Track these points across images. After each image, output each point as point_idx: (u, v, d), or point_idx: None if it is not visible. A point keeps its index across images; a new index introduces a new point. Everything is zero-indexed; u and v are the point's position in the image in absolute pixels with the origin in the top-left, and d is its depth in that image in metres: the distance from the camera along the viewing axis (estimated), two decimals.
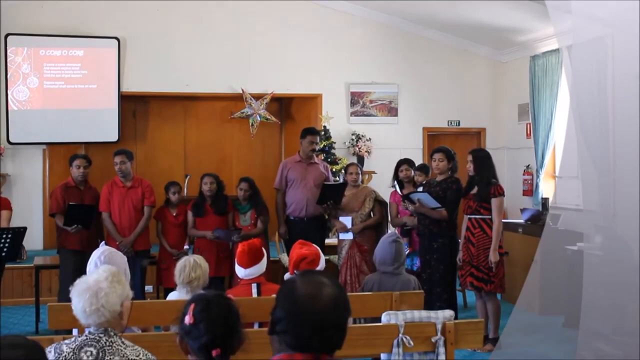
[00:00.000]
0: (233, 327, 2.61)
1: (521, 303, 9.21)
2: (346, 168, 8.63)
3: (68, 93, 11.47)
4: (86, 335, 3.14)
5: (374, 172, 11.83)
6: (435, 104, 12.75)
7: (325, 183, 8.24)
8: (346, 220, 8.11)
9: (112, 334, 3.14)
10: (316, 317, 2.13)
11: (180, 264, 5.13)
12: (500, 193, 7.13)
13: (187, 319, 2.59)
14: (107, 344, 3.11)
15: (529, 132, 11.69)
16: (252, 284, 5.30)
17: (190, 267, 5.06)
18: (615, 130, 9.37)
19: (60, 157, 11.29)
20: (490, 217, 7.11)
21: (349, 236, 8.08)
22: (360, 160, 12.02)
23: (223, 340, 2.56)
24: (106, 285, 3.13)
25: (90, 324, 3.14)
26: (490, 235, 7.07)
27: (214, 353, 2.54)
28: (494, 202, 7.09)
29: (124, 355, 3.10)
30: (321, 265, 5.40)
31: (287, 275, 5.53)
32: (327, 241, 8.95)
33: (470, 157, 7.28)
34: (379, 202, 8.23)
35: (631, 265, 5.68)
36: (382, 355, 4.37)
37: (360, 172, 8.41)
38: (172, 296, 5.31)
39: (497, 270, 7.11)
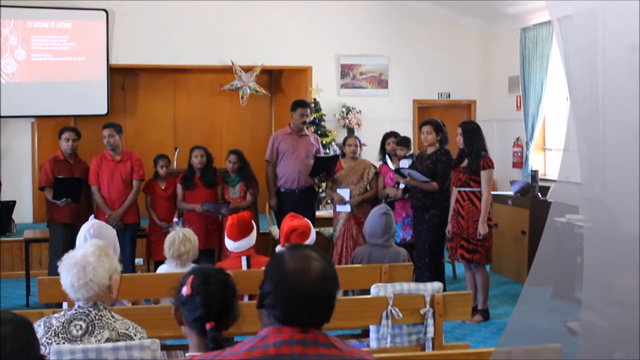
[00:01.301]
0: (229, 303, 2.62)
1: (510, 274, 9.29)
2: (345, 140, 8.62)
3: (56, 65, 11.39)
4: (75, 309, 3.14)
5: (364, 144, 11.76)
6: (425, 76, 12.71)
7: (318, 155, 8.24)
8: (344, 193, 8.12)
9: (101, 307, 3.15)
10: (304, 291, 2.14)
11: (169, 238, 5.13)
12: (489, 165, 7.14)
13: (185, 290, 2.59)
14: (97, 317, 3.12)
15: (519, 105, 11.69)
16: (242, 257, 5.32)
17: (180, 241, 5.06)
18: (605, 102, 9.40)
19: (49, 130, 11.25)
20: (479, 189, 7.12)
21: (347, 208, 8.10)
22: (351, 132, 12.00)
23: (218, 315, 2.57)
24: (94, 259, 3.12)
25: (79, 298, 3.14)
26: (479, 208, 7.10)
27: (207, 326, 2.54)
28: (484, 174, 7.10)
29: (113, 329, 3.11)
30: (312, 238, 5.40)
31: (278, 248, 5.55)
32: (318, 213, 8.96)
33: (459, 130, 7.28)
34: (377, 176, 8.24)
35: (619, 236, 5.71)
36: (371, 327, 4.39)
37: (359, 144, 8.41)
38: (162, 269, 5.32)
39: (485, 242, 7.14)
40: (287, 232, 5.33)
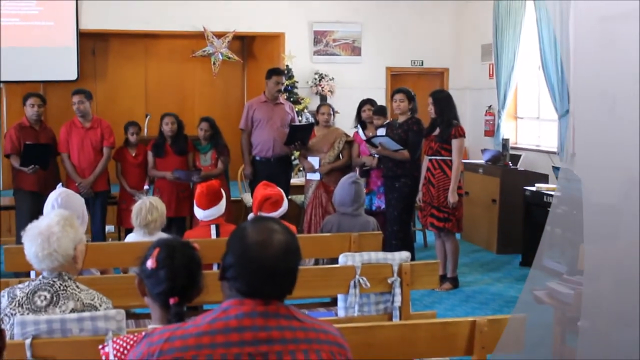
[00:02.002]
0: (194, 278, 2.60)
1: (480, 242, 9.38)
2: (318, 108, 8.59)
3: (24, 30, 11.20)
4: (40, 280, 3.12)
5: (337, 112, 11.77)
6: (398, 43, 12.68)
7: (293, 124, 8.21)
8: (314, 161, 8.12)
9: (66, 278, 3.13)
10: (266, 264, 2.13)
11: (136, 206, 5.10)
12: (461, 134, 7.16)
13: (150, 263, 2.56)
14: (61, 288, 3.10)
15: (491, 73, 11.71)
16: (211, 225, 5.31)
17: (147, 209, 5.02)
18: (576, 72, 9.44)
19: (17, 96, 10.99)
20: (450, 158, 7.14)
21: (316, 176, 8.10)
22: (323, 99, 11.98)
23: (182, 290, 2.55)
24: (58, 229, 3.09)
25: (44, 268, 3.12)
26: (450, 177, 7.12)
27: (171, 301, 2.53)
28: (455, 143, 7.11)
29: (78, 299, 3.10)
30: (284, 207, 5.42)
31: (251, 216, 5.54)
32: (292, 181, 8.95)
33: (430, 100, 7.28)
34: (349, 144, 8.24)
35: (587, 206, 5.76)
36: (339, 296, 4.41)
37: (332, 112, 8.39)
38: (130, 238, 5.29)
39: (456, 210, 7.18)
40: (260, 201, 5.34)
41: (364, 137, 8.05)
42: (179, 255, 2.59)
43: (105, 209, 8.10)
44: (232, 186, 8.87)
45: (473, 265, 8.48)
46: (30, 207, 7.36)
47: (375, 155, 7.80)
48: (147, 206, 5.05)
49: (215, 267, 4.86)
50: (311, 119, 10.58)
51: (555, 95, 9.58)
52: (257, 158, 8.32)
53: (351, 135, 8.47)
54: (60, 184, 5.57)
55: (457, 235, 7.73)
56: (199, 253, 2.69)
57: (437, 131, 7.26)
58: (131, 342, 2.59)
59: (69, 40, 11.43)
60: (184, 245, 2.65)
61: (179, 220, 8.05)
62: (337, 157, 8.16)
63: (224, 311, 2.13)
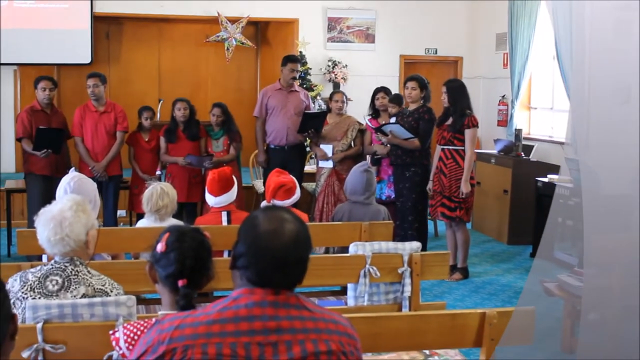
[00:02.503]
0: (203, 262, 2.63)
1: (491, 232, 9.36)
2: (331, 95, 8.57)
3: (39, 12, 11.20)
4: (52, 264, 3.14)
5: (349, 100, 11.76)
6: (412, 31, 12.61)
7: (306, 112, 8.19)
8: (327, 149, 8.12)
9: (77, 263, 3.15)
10: (277, 253, 2.14)
11: (147, 192, 5.10)
12: (474, 124, 7.13)
13: (160, 247, 2.61)
14: (73, 273, 3.12)
15: (505, 62, 11.64)
16: (222, 212, 5.32)
17: (158, 195, 5.03)
18: (591, 61, 9.38)
19: (31, 79, 10.93)
20: (463, 148, 7.12)
21: (329, 164, 8.11)
22: (336, 87, 11.93)
23: (191, 273, 2.58)
24: (70, 214, 3.11)
25: (56, 253, 3.14)
26: (462, 166, 7.10)
27: (180, 283, 2.56)
28: (468, 133, 7.09)
29: (89, 285, 3.11)
30: (297, 195, 5.44)
31: (264, 204, 5.56)
32: (306, 168, 8.94)
33: (444, 89, 7.25)
34: (362, 133, 8.23)
35: (600, 197, 5.74)
36: (349, 285, 4.42)
37: (345, 100, 8.37)
38: (141, 223, 5.31)
39: (467, 200, 7.17)
40: (274, 188, 5.35)
41: (372, 127, 8.03)
42: (189, 239, 2.62)
43: (118, 193, 8.13)
44: (244, 172, 8.89)
45: (483, 256, 8.47)
46: (42, 190, 7.40)
47: (387, 144, 7.78)
48: (158, 192, 5.06)
49: (226, 254, 4.88)
50: (323, 106, 10.56)
51: (570, 84, 9.51)
52: (272, 146, 8.32)
53: (362, 122, 8.46)
54: (73, 168, 5.58)
55: (468, 226, 7.71)
56: (210, 240, 2.71)
57: (449, 121, 7.24)
58: (141, 328, 2.61)
59: (83, 23, 11.42)
60: (194, 230, 2.70)
61: (190, 205, 8.09)
62: (350, 145, 8.15)
63: (234, 300, 2.14)
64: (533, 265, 7.95)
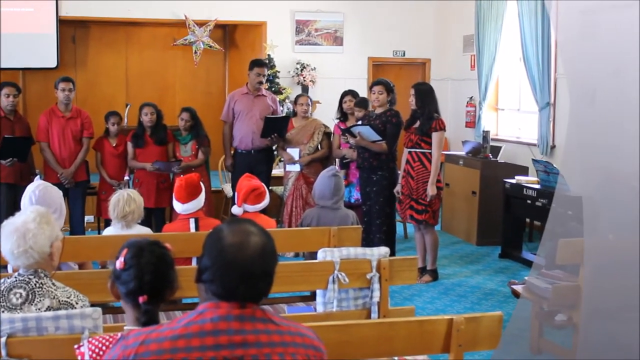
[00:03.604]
0: (164, 276, 2.58)
1: (460, 234, 9.40)
2: (296, 99, 8.57)
3: (3, 16, 11.03)
4: (15, 277, 3.10)
5: (318, 102, 11.78)
6: (380, 33, 12.66)
7: (268, 116, 8.17)
8: (294, 152, 8.13)
9: (42, 275, 3.11)
10: (243, 266, 2.13)
11: (114, 198, 5.07)
12: (441, 127, 7.16)
13: (118, 264, 2.57)
14: (37, 285, 3.08)
15: (473, 64, 11.73)
16: (190, 219, 5.31)
17: (124, 201, 5.00)
18: (557, 64, 9.49)
19: None
20: (430, 151, 7.14)
21: (296, 168, 8.13)
22: (305, 89, 11.95)
23: (151, 288, 2.54)
24: (34, 226, 3.07)
25: (19, 265, 3.09)
26: (429, 169, 7.13)
27: (140, 300, 2.52)
28: (435, 136, 7.11)
29: (54, 297, 3.08)
30: (267, 199, 5.58)
31: (234, 208, 5.54)
32: (274, 172, 8.94)
33: (412, 91, 7.27)
34: (328, 136, 8.25)
35: (566, 199, 5.79)
36: (318, 292, 4.41)
37: (310, 103, 8.38)
38: (108, 231, 5.27)
39: (433, 203, 7.19)
40: (246, 192, 5.40)
41: (340, 127, 8.05)
42: (147, 254, 2.57)
43: (85, 199, 8.04)
44: (213, 176, 8.85)
45: (452, 257, 8.51)
46: (7, 198, 7.30)
47: (354, 147, 7.78)
48: (125, 198, 5.04)
49: (194, 261, 4.86)
50: (292, 110, 10.56)
51: (536, 87, 9.62)
52: (239, 150, 8.31)
53: (330, 124, 8.47)
54: (38, 175, 5.52)
55: (437, 227, 7.74)
56: (172, 251, 2.67)
57: (417, 123, 7.26)
58: (107, 344, 2.58)
59: (49, 27, 11.31)
60: (152, 244, 2.63)
61: (159, 211, 8.05)
62: (317, 148, 8.17)
63: (200, 314, 2.12)
64: (502, 266, 8.03)
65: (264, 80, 8.46)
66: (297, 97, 8.61)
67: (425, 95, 7.24)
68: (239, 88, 8.64)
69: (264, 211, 5.72)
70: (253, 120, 8.20)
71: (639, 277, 4.04)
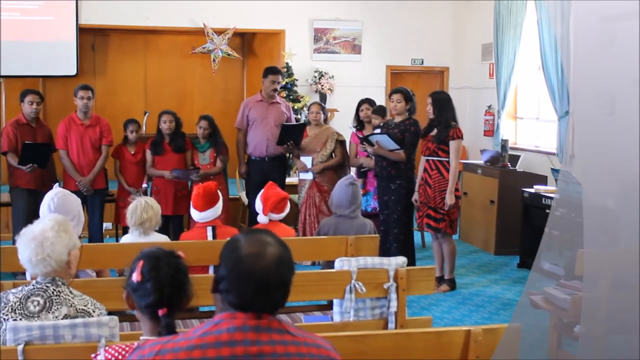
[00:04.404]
0: (181, 287, 2.57)
1: (478, 243, 9.35)
2: (308, 107, 8.58)
3: (24, 25, 11.16)
4: (33, 285, 3.11)
5: (336, 110, 11.79)
6: (399, 42, 12.64)
7: (284, 124, 8.18)
8: (307, 160, 8.14)
9: (59, 283, 3.12)
10: (259, 277, 2.12)
11: (131, 206, 5.08)
12: (459, 136, 7.13)
13: (135, 277, 2.54)
14: (55, 293, 3.09)
15: (491, 72, 11.69)
16: (208, 227, 5.31)
17: (142, 208, 5.01)
18: (575, 72, 9.43)
19: (16, 91, 10.86)
20: (447, 159, 7.11)
21: (309, 176, 8.13)
22: (323, 98, 11.96)
23: (170, 300, 2.53)
24: (52, 234, 3.08)
25: (37, 273, 3.11)
26: (447, 178, 7.10)
27: (160, 312, 2.50)
28: (452, 144, 7.09)
29: (71, 305, 3.08)
30: (288, 208, 5.63)
31: (261, 217, 5.54)
32: (288, 180, 8.95)
33: (430, 100, 7.25)
34: (341, 143, 8.24)
35: (585, 208, 5.75)
36: (335, 301, 4.40)
37: (322, 111, 8.37)
38: (126, 239, 5.28)
39: (451, 212, 7.16)
40: (275, 201, 5.43)
41: (359, 135, 8.04)
42: (164, 266, 2.56)
43: (103, 207, 8.07)
44: (230, 184, 8.86)
45: (470, 267, 8.47)
46: (27, 204, 7.35)
47: (372, 156, 7.77)
48: (142, 205, 5.05)
49: (211, 270, 4.86)
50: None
51: (555, 96, 9.56)
52: (252, 157, 8.33)
53: (348, 132, 8.47)
54: (58, 183, 5.54)
55: (455, 236, 7.70)
56: (185, 260, 2.66)
57: (434, 132, 7.24)
58: (123, 353, 2.58)
59: (69, 35, 11.39)
60: (168, 255, 2.62)
61: (176, 218, 8.05)
62: (330, 156, 8.17)
63: (216, 324, 2.12)
64: (529, 277, 7.95)
65: (278, 88, 8.48)
66: (310, 105, 8.64)
67: (442, 103, 7.22)
68: (253, 95, 8.67)
69: (282, 221, 5.73)
70: (268, 128, 8.21)
71: None
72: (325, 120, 8.59)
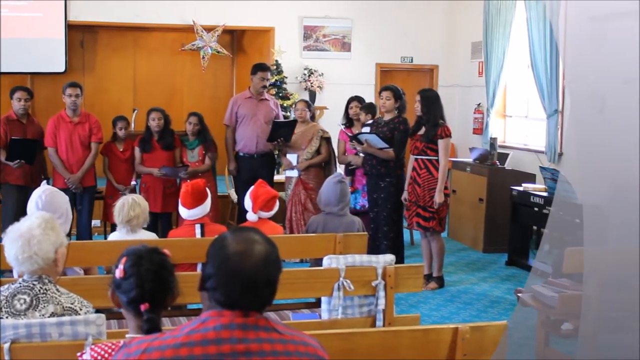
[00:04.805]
0: (164, 283, 2.57)
1: (467, 240, 9.38)
2: (295, 105, 8.60)
3: (12, 21, 11.07)
4: (20, 283, 3.10)
5: (325, 108, 11.78)
6: (388, 39, 12.63)
7: (276, 120, 8.19)
8: (292, 158, 8.15)
9: (46, 281, 3.10)
10: (246, 275, 2.12)
11: (118, 203, 5.08)
12: (447, 134, 7.14)
13: (118, 273, 2.56)
14: (41, 291, 3.07)
15: (481, 71, 11.71)
16: (196, 225, 5.31)
17: (129, 206, 5.01)
18: (565, 71, 9.45)
19: (5, 88, 10.94)
20: (436, 158, 7.12)
21: (295, 173, 8.16)
22: (312, 95, 11.94)
23: (152, 295, 2.53)
24: (39, 232, 3.07)
25: (24, 271, 3.09)
26: (436, 176, 7.10)
27: (142, 308, 2.51)
28: (441, 143, 7.10)
29: (58, 303, 3.07)
30: (277, 206, 5.61)
31: (250, 215, 5.53)
32: (276, 177, 8.95)
33: (418, 97, 7.25)
34: (326, 141, 8.25)
35: (573, 206, 5.78)
36: (323, 299, 4.41)
37: (308, 108, 8.38)
38: (113, 236, 5.27)
39: (440, 210, 7.16)
40: (265, 200, 5.43)
41: (348, 133, 8.05)
42: (146, 262, 2.56)
43: (93, 204, 8.05)
44: (219, 182, 8.85)
45: (459, 265, 8.49)
46: (16, 200, 7.35)
47: (361, 154, 7.78)
48: (130, 202, 5.05)
49: (199, 267, 4.85)
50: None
51: (544, 94, 9.59)
52: (241, 154, 8.32)
53: (337, 130, 8.48)
54: (46, 180, 5.53)
55: (444, 234, 7.72)
56: (171, 257, 2.66)
57: (422, 130, 7.24)
58: (109, 351, 2.58)
59: (58, 32, 11.33)
60: (151, 251, 2.62)
61: (165, 216, 8.05)
62: (316, 154, 8.17)
63: (203, 322, 2.12)
64: (508, 273, 8.00)
65: (267, 85, 8.48)
66: (296, 102, 8.65)
67: (431, 101, 7.22)
68: (241, 92, 8.67)
69: (271, 219, 5.74)
70: (258, 124, 8.21)
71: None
72: (313, 118, 8.60)
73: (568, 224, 5.74)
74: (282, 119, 8.59)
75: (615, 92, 4.48)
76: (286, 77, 11.78)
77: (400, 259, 7.30)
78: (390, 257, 4.44)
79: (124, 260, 2.58)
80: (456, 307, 6.86)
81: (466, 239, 9.52)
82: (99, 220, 8.77)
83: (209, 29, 11.90)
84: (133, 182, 8.17)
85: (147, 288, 2.53)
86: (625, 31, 4.37)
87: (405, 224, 7.77)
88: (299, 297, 4.94)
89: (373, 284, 4.34)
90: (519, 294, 5.66)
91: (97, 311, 3.19)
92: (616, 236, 4.30)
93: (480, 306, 6.92)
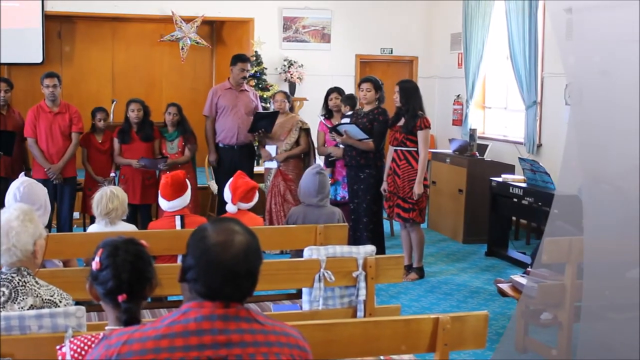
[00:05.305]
0: (141, 273, 2.55)
1: (447, 231, 9.40)
2: (273, 96, 8.59)
3: None
4: None
5: (305, 99, 11.76)
6: (368, 31, 12.63)
7: (258, 112, 8.18)
8: (271, 149, 8.15)
9: (25, 273, 3.08)
10: (227, 266, 2.11)
11: (97, 196, 5.05)
12: (426, 125, 7.14)
13: (94, 265, 2.54)
14: (20, 284, 3.05)
15: (460, 62, 11.74)
16: (176, 216, 5.29)
17: (107, 198, 4.97)
18: (544, 63, 9.52)
19: None
20: (416, 149, 7.13)
21: (274, 165, 8.15)
22: (292, 86, 11.92)
23: (130, 286, 2.52)
24: (17, 224, 3.04)
25: (2, 263, 3.07)
26: (415, 168, 7.11)
27: (119, 299, 2.50)
28: (420, 134, 7.10)
29: (37, 295, 3.05)
30: (257, 197, 5.61)
31: (229, 206, 5.51)
32: (256, 169, 8.94)
33: (397, 88, 7.25)
34: (306, 132, 8.25)
35: (551, 197, 5.81)
36: (304, 290, 4.41)
37: (287, 100, 8.37)
38: (92, 229, 5.23)
39: (420, 201, 7.18)
40: (244, 191, 5.41)
41: (327, 125, 8.05)
42: (122, 253, 2.55)
43: (74, 196, 8.00)
44: (199, 173, 8.82)
45: (439, 255, 8.52)
46: None
47: (341, 145, 7.78)
48: (108, 194, 5.01)
49: (179, 259, 4.84)
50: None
51: (523, 86, 9.63)
52: (221, 145, 8.30)
53: (317, 121, 8.46)
54: (23, 172, 5.48)
55: (424, 225, 7.74)
56: (148, 248, 2.65)
57: (402, 122, 7.24)
58: (89, 343, 2.56)
59: (35, 22, 11.22)
60: (127, 242, 2.60)
61: (145, 207, 8.02)
62: (294, 145, 8.17)
63: (184, 314, 2.11)
64: (488, 264, 8.03)
65: (247, 76, 8.46)
66: (274, 93, 8.65)
67: (410, 92, 7.23)
68: (221, 83, 8.64)
69: (251, 210, 5.73)
70: (238, 115, 8.20)
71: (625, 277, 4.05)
72: (292, 109, 8.60)
73: (546, 214, 5.80)
74: (260, 110, 8.57)
75: (594, 83, 4.52)
76: (266, 69, 11.73)
77: (380, 250, 7.31)
78: (370, 248, 4.45)
79: (100, 252, 2.57)
80: (436, 298, 6.89)
81: (446, 230, 9.56)
82: (78, 213, 8.72)
83: (188, 20, 11.84)
84: (112, 174, 8.13)
85: (124, 279, 2.51)
86: (602, 23, 4.41)
87: (385, 214, 7.79)
88: (279, 289, 4.94)
89: (354, 274, 4.34)
90: (498, 284, 5.69)
91: (77, 303, 3.17)
92: (595, 226, 4.34)
93: (460, 297, 6.95)
